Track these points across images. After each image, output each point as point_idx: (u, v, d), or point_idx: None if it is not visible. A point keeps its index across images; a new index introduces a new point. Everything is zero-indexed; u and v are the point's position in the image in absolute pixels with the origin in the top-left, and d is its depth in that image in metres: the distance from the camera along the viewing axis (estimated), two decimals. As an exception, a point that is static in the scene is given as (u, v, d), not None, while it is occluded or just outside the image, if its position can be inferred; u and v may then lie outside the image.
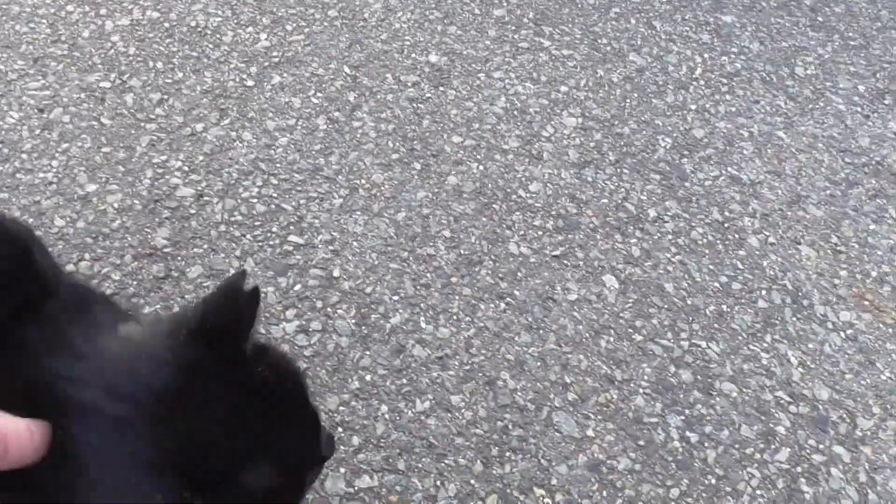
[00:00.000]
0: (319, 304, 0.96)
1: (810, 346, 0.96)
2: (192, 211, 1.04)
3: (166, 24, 1.28)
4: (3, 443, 0.37)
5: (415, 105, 1.22)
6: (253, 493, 0.45)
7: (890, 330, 0.97)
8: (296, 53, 1.29)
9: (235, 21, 1.34)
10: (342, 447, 0.83)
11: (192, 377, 0.45)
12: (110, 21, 1.28)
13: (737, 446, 0.87)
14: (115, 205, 1.03)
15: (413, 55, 1.30)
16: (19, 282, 0.50)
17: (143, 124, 1.12)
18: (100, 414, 0.42)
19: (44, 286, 0.50)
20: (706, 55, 1.31)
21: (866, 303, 1.00)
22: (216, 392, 0.46)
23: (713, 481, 0.84)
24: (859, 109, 1.24)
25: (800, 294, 1.00)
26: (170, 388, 0.44)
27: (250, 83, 1.24)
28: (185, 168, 1.09)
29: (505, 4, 1.40)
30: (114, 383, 0.43)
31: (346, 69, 1.27)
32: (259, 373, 0.48)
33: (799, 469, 0.86)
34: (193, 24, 1.33)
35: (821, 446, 0.87)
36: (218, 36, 1.31)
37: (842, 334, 0.97)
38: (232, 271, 0.98)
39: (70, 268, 0.96)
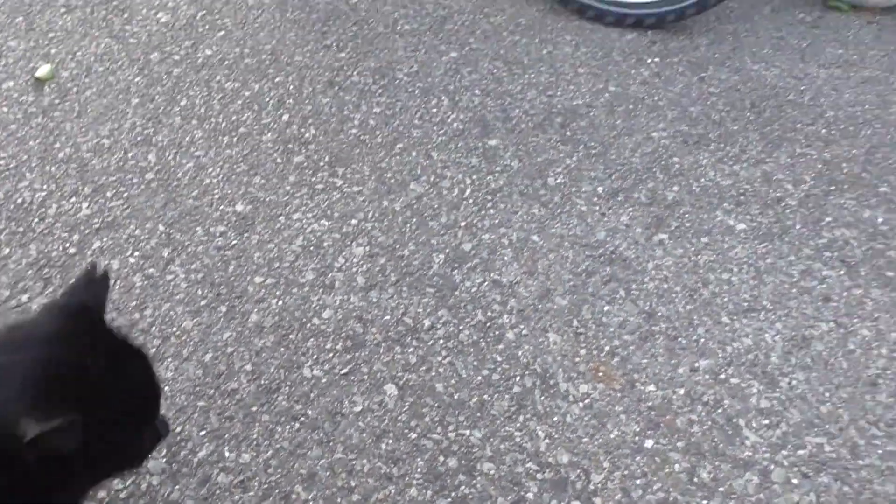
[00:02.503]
0: (132, 449, 1.09)
1: (555, 419, 1.16)
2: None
3: (-12, 211, 1.43)
4: None
5: (222, 253, 1.39)
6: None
7: (618, 394, 1.19)
8: (115, 218, 1.45)
9: (59, 193, 1.50)
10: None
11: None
12: (-67, 214, 1.41)
13: (496, 515, 1.05)
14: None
15: (221, 207, 1.48)
16: None
17: (-35, 308, 1.25)
18: None
19: None
20: (475, 176, 1.56)
21: (600, 374, 1.22)
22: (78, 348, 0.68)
23: (476, 549, 1.02)
24: (598, 208, 1.50)
25: (547, 375, 1.21)
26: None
27: (73, 251, 1.39)
28: (11, 341, 1.22)
29: (304, 151, 1.61)
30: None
31: (161, 227, 1.44)
32: (115, 339, 0.72)
33: (547, 526, 1.04)
34: (20, 200, 1.48)
35: None
36: (43, 209, 1.47)
37: (580, 404, 1.18)
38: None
39: None
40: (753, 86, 1.83)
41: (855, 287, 1.35)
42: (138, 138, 1.62)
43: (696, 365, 1.23)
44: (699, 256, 1.41)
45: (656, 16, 1.97)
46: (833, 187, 1.55)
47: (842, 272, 1.38)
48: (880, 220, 1.47)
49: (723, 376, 1.22)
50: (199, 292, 1.33)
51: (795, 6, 2.13)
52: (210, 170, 1.56)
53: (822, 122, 1.72)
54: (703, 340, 1.27)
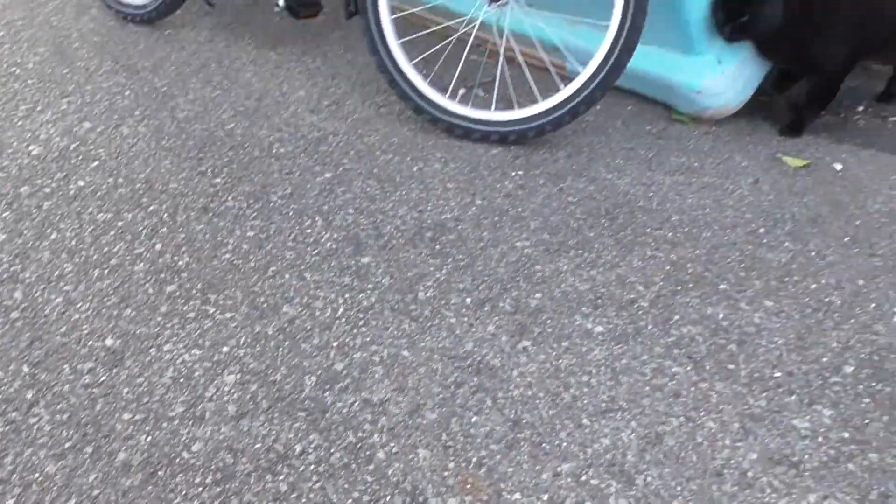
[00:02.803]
0: None
1: (425, 537, 1.19)
2: None
3: None
4: None
5: (89, 390, 1.38)
6: None
7: (486, 507, 1.23)
8: (-24, 361, 1.42)
9: (-84, 338, 1.45)
10: None
11: None
12: None
13: None
14: None
15: (90, 342, 1.47)
16: None
17: None
18: None
19: None
20: (347, 295, 1.61)
21: (468, 486, 1.26)
22: None
23: None
24: (466, 319, 1.57)
25: (417, 492, 1.24)
26: None
27: (-72, 399, 1.34)
28: None
29: (176, 280, 1.63)
30: None
31: (26, 368, 1.42)
32: None
33: None
34: None
35: None
36: None
37: (449, 520, 1.21)
38: None
39: None
40: (607, 194, 1.99)
41: (701, 381, 1.46)
42: (4, 276, 1.60)
43: (559, 469, 1.29)
44: (560, 361, 1.49)
45: (518, 132, 2.13)
46: (679, 287, 1.68)
47: (689, 368, 1.49)
48: (721, 315, 1.61)
49: (584, 478, 1.28)
50: (64, 434, 1.30)
51: (644, 119, 2.34)
52: (79, 304, 1.56)
53: (668, 226, 1.87)
54: (565, 444, 1.34)
